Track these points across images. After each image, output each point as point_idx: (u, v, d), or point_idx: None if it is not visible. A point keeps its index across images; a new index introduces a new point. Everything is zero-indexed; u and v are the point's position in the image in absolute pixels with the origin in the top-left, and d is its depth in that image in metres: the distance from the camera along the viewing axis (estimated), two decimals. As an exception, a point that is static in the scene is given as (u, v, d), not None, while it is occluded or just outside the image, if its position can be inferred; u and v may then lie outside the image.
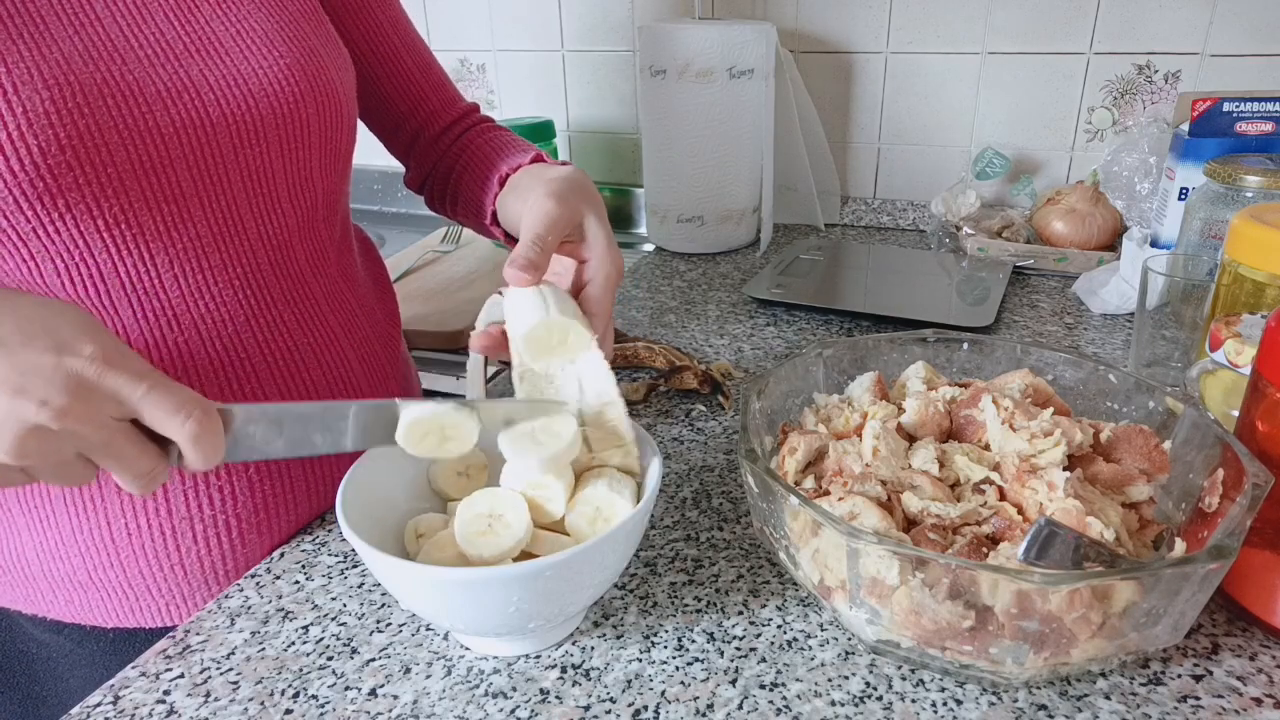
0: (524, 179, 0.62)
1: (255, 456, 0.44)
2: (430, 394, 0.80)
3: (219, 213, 0.54)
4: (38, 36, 0.47)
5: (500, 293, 0.52)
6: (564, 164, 0.64)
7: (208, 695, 0.47)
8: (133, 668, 0.49)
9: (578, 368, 0.50)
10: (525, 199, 0.56)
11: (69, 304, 0.40)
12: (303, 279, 0.61)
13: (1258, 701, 0.44)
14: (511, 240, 0.66)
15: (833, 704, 0.45)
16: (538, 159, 0.66)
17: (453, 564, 0.46)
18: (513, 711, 0.45)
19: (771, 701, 0.45)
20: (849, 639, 0.49)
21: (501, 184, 0.65)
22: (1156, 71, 1.09)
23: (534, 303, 0.49)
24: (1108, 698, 0.44)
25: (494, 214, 0.67)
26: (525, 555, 0.47)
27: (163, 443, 0.41)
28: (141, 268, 0.52)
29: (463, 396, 0.56)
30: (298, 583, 0.55)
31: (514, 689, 0.46)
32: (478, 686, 0.47)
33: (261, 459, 0.45)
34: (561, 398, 0.50)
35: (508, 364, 0.51)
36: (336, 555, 0.58)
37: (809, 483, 0.52)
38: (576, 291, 0.55)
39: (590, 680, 0.47)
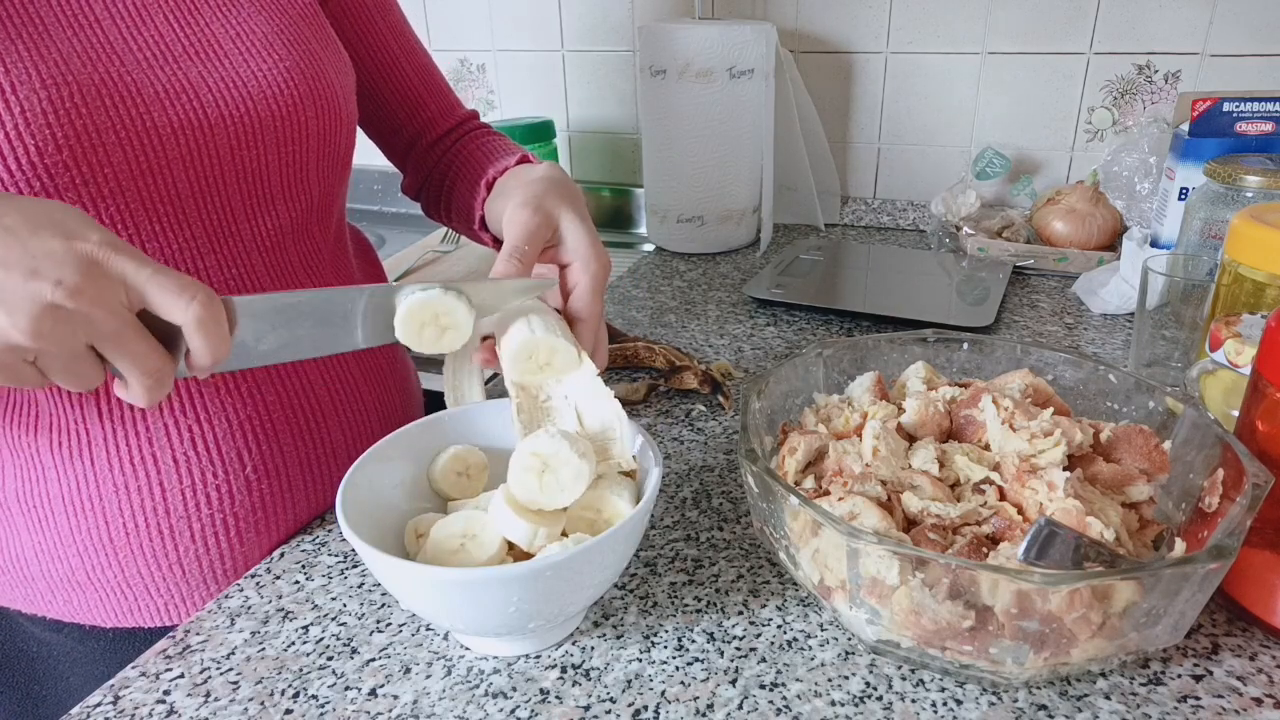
0: (507, 183, 0.62)
1: (255, 361, 0.43)
2: (431, 395, 0.80)
3: (214, 214, 0.54)
4: (37, 37, 0.47)
5: None
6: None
7: (208, 695, 0.47)
8: (133, 667, 0.49)
9: (567, 385, 0.50)
10: (505, 206, 0.55)
11: (66, 203, 0.40)
12: (296, 280, 0.61)
13: (1258, 701, 0.44)
14: (499, 245, 0.66)
15: (833, 704, 0.45)
16: (523, 160, 0.66)
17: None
18: (513, 711, 0.45)
19: (771, 701, 0.45)
20: (849, 639, 0.49)
21: (488, 189, 0.65)
22: (1156, 71, 1.09)
23: (518, 324, 0.49)
24: (1108, 698, 0.44)
25: (482, 219, 0.67)
26: (522, 556, 0.48)
27: (169, 347, 0.41)
28: None
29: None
30: (298, 583, 0.55)
31: (514, 689, 0.46)
32: (478, 686, 0.47)
33: (262, 363, 0.44)
34: (555, 416, 0.50)
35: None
36: (336, 555, 0.58)
37: (809, 483, 0.52)
38: (564, 298, 0.54)
39: (590, 680, 0.47)
